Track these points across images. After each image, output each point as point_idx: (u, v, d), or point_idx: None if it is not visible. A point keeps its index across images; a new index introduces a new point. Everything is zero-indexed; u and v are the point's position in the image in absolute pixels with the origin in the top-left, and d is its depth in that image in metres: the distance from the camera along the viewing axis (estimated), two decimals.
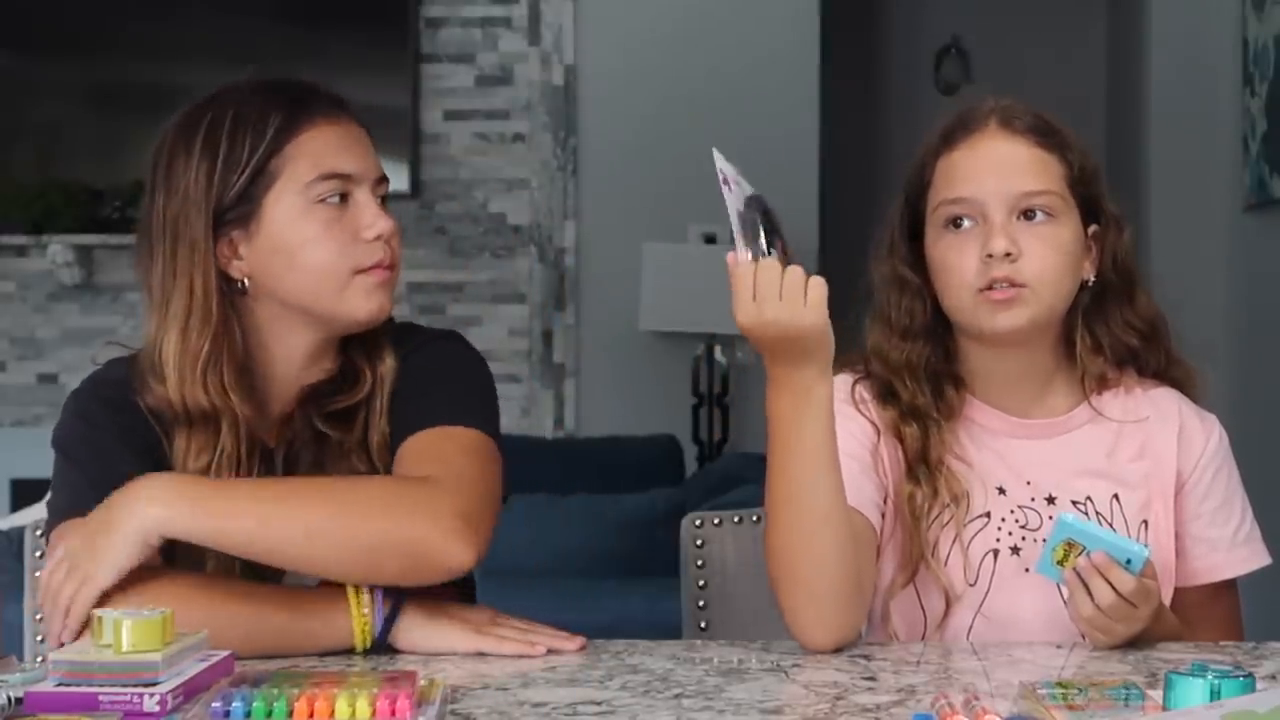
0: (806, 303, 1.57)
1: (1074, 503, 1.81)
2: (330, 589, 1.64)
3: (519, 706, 1.43)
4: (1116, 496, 1.82)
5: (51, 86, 5.56)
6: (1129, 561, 1.62)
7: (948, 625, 1.79)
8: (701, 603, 2.00)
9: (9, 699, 1.33)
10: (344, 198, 1.74)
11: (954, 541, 1.80)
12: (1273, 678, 1.54)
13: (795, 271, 1.56)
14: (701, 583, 2.00)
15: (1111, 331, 1.85)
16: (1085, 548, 1.62)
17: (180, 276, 1.72)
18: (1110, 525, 1.80)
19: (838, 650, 1.66)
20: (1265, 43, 4.64)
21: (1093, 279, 1.83)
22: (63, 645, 1.55)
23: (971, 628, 1.79)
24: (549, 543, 4.29)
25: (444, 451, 1.68)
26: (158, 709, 1.32)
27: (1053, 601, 1.74)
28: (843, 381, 1.84)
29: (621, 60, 5.60)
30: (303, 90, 1.77)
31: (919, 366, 1.83)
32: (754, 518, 2.00)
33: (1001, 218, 1.76)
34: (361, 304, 1.75)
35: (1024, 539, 1.80)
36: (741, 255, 1.57)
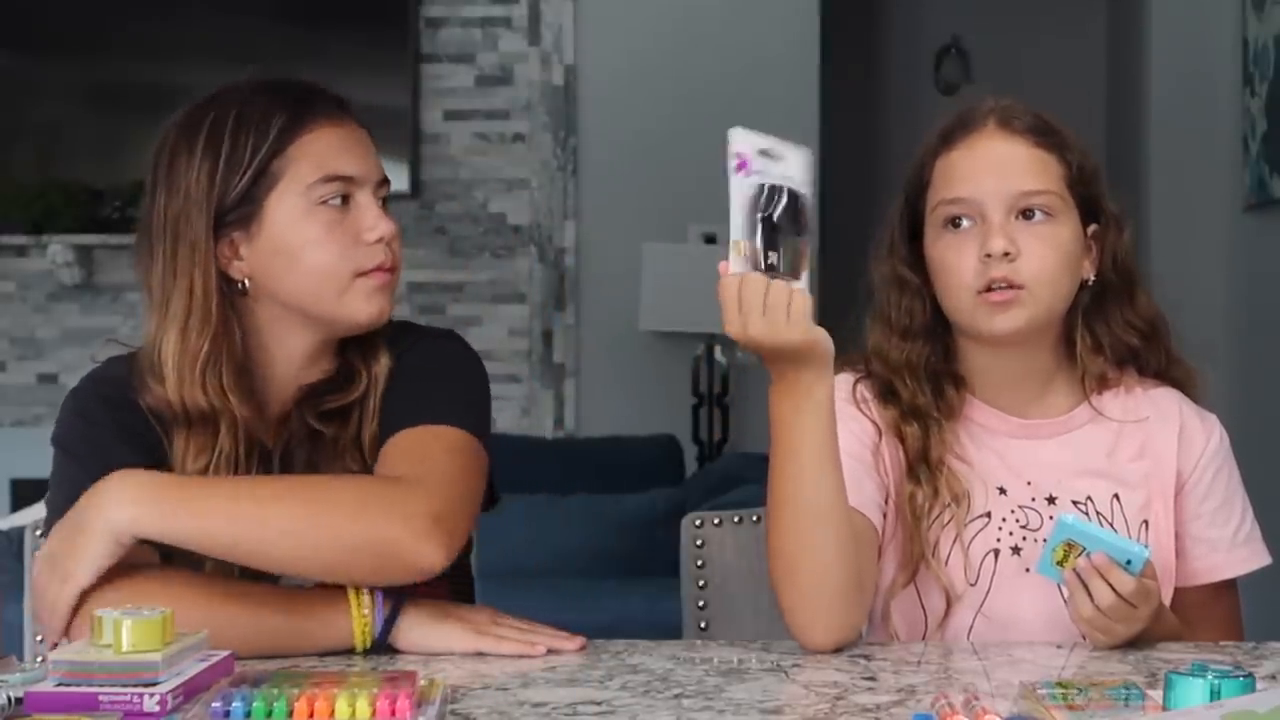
0: (789, 317, 1.56)
1: (1074, 503, 1.81)
2: (330, 589, 1.64)
3: (519, 706, 1.43)
4: (1117, 496, 1.82)
5: (51, 86, 5.56)
6: (1129, 562, 1.62)
7: (948, 625, 1.79)
8: (701, 603, 2.00)
9: (9, 699, 1.33)
10: (345, 200, 1.74)
11: (954, 541, 1.80)
12: (1273, 678, 1.54)
13: (778, 286, 1.56)
14: (701, 583, 2.00)
15: (1112, 331, 1.85)
16: (1085, 548, 1.62)
17: (180, 276, 1.72)
18: (1111, 525, 1.80)
19: (838, 650, 1.66)
20: (1265, 43, 4.64)
21: (1093, 278, 1.83)
22: (55, 645, 1.56)
23: (972, 627, 1.79)
24: (549, 543, 4.30)
25: (425, 450, 1.67)
26: (158, 709, 1.32)
27: (1053, 601, 1.74)
28: (844, 381, 1.84)
29: (621, 60, 5.60)
30: (305, 91, 1.76)
31: (919, 366, 1.84)
32: (754, 518, 2.00)
33: (1000, 217, 1.76)
34: (362, 307, 1.75)
35: (1024, 539, 1.80)
36: (734, 262, 1.56)
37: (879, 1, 6.73)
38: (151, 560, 1.64)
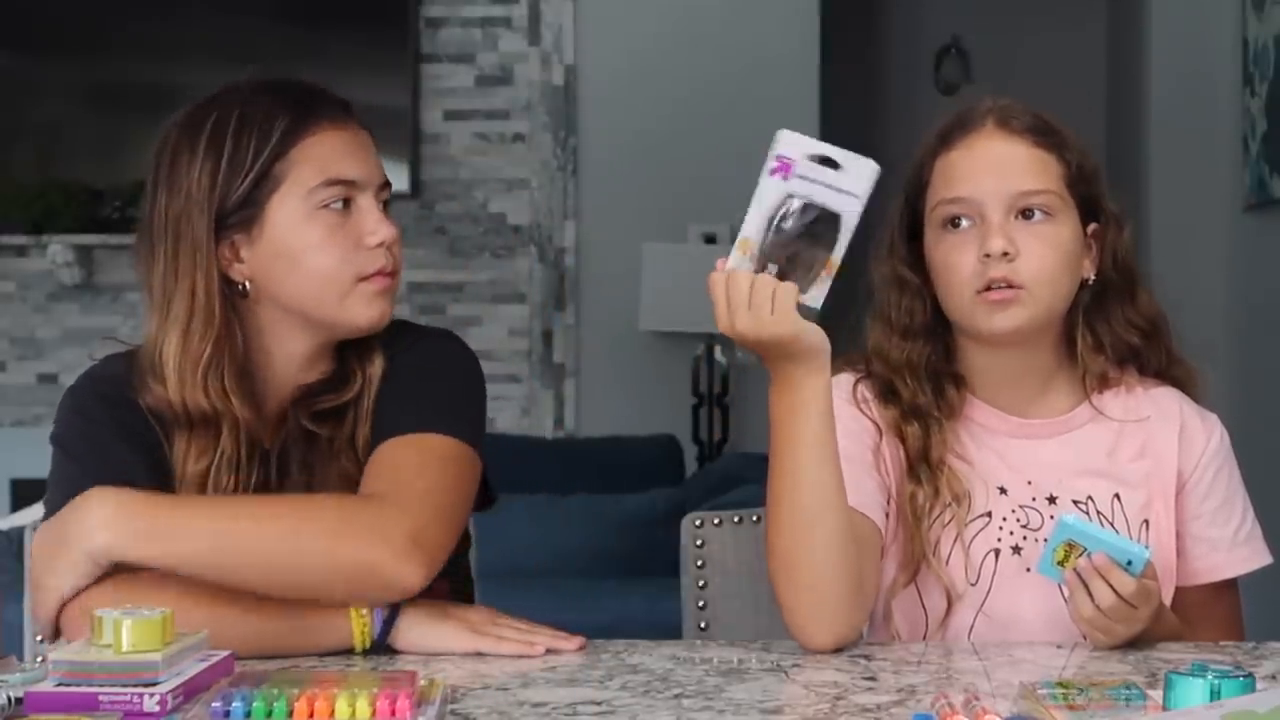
0: (774, 311, 1.56)
1: (1075, 502, 1.81)
2: None
3: (519, 706, 1.43)
4: (1117, 496, 1.82)
5: (51, 86, 5.56)
6: (1129, 563, 1.62)
7: (949, 625, 1.79)
8: (701, 603, 2.00)
9: (9, 699, 1.33)
10: (347, 203, 1.73)
11: (955, 541, 1.80)
12: (1273, 678, 1.54)
13: (763, 280, 1.56)
14: (701, 583, 2.00)
15: (1113, 330, 1.85)
16: (1086, 549, 1.62)
17: (182, 277, 1.71)
18: (1111, 525, 1.80)
19: (838, 650, 1.66)
20: (1265, 43, 4.64)
21: (1093, 278, 1.83)
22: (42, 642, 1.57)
23: (973, 627, 1.79)
24: (549, 543, 4.30)
25: (409, 463, 1.67)
26: (158, 709, 1.32)
27: (1054, 601, 1.74)
28: (844, 381, 1.84)
29: (621, 60, 5.60)
30: (308, 93, 1.76)
31: (919, 366, 1.84)
32: (754, 518, 2.00)
33: (999, 217, 1.76)
34: (363, 311, 1.74)
35: (1025, 539, 1.80)
36: (732, 259, 1.57)
37: (879, 1, 6.73)
38: None
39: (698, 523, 2.02)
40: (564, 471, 4.97)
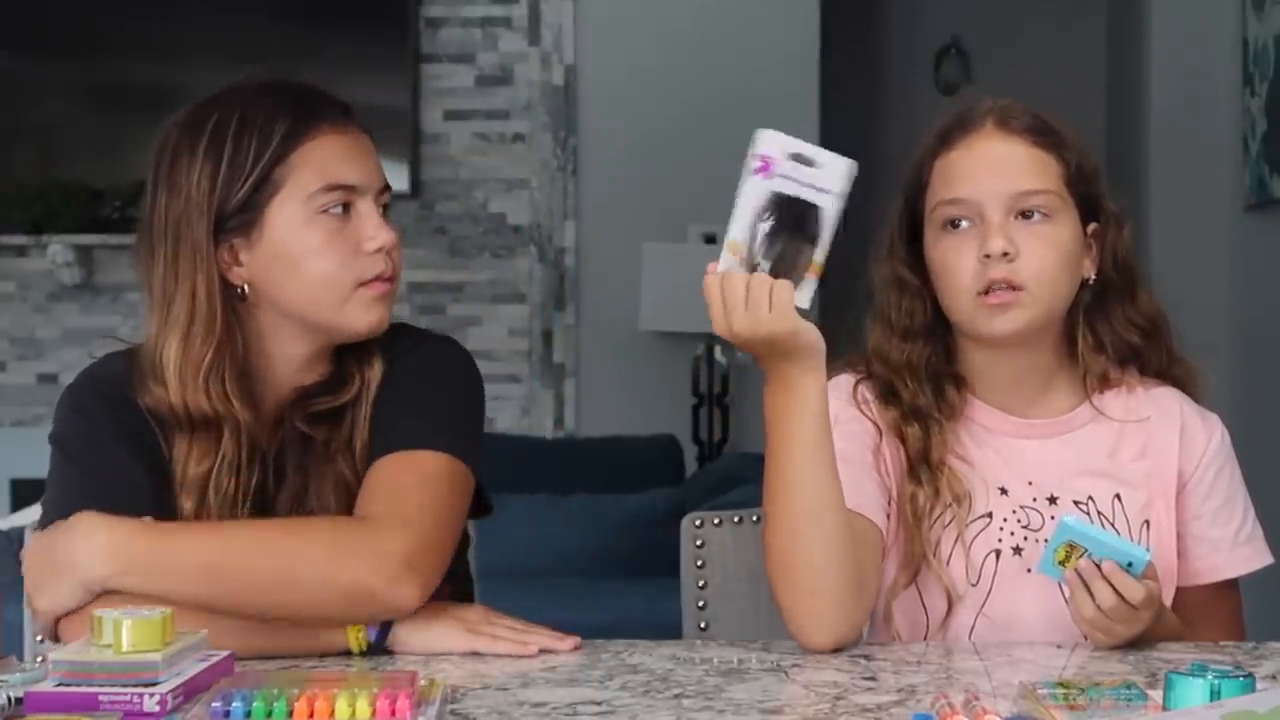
0: (771, 309, 1.56)
1: (1076, 503, 1.81)
2: None
3: (519, 706, 1.43)
4: (1118, 496, 1.82)
5: (51, 86, 5.56)
6: (1130, 564, 1.62)
7: (950, 625, 1.79)
8: (701, 603, 2.00)
9: (9, 699, 1.33)
10: (346, 208, 1.73)
11: (956, 542, 1.80)
12: (1273, 678, 1.54)
13: (759, 279, 1.56)
14: (701, 583, 2.00)
15: (1113, 329, 1.85)
16: (1087, 549, 1.62)
17: (182, 280, 1.71)
18: (1112, 525, 1.80)
19: (837, 650, 1.65)
20: (1265, 43, 4.64)
21: (1093, 277, 1.83)
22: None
23: (974, 628, 1.79)
24: (549, 543, 4.30)
25: (405, 484, 1.67)
26: (158, 709, 1.32)
27: (1054, 602, 1.74)
28: (844, 382, 1.84)
29: (621, 60, 5.59)
30: (309, 95, 1.75)
31: (920, 367, 1.83)
32: (754, 518, 2.00)
33: (999, 218, 1.76)
34: (361, 316, 1.74)
35: (1026, 539, 1.80)
36: (723, 261, 1.57)
37: (879, 1, 6.73)
38: None
39: (698, 523, 2.02)
40: (564, 471, 4.97)
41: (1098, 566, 1.61)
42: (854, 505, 1.71)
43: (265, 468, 1.74)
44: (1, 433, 5.56)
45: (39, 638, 1.75)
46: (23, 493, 5.36)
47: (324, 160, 1.71)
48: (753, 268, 1.56)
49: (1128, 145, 5.54)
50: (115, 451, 1.70)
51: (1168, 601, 1.76)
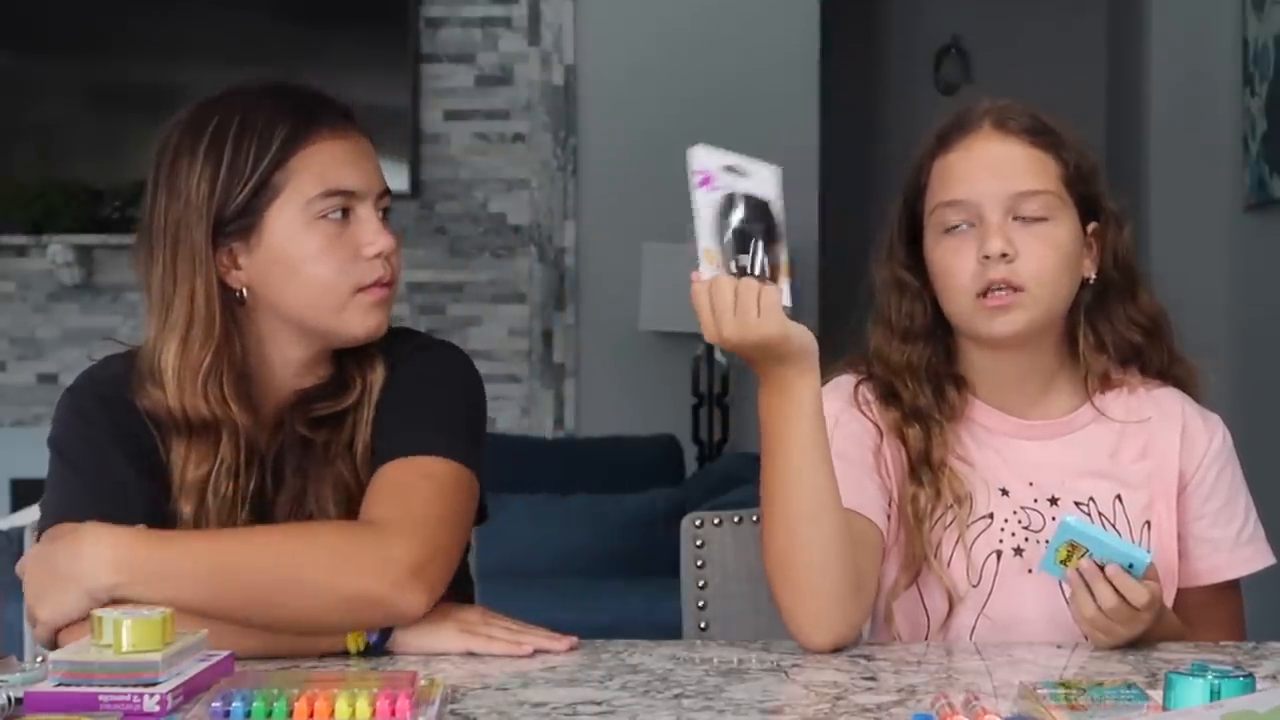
0: (760, 312, 1.56)
1: (1077, 503, 1.81)
2: None
3: (519, 706, 1.43)
4: (1119, 497, 1.82)
5: (51, 86, 5.56)
6: (1131, 565, 1.62)
7: (951, 626, 1.79)
8: (701, 603, 2.00)
9: (9, 699, 1.33)
10: (345, 213, 1.72)
11: (957, 542, 1.80)
12: (1273, 678, 1.54)
13: (746, 284, 1.56)
14: (701, 583, 2.00)
15: (1114, 329, 1.84)
16: (1088, 550, 1.62)
17: (181, 283, 1.70)
18: (1113, 526, 1.80)
19: (837, 650, 1.65)
20: (1265, 43, 4.64)
21: (1094, 277, 1.83)
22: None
23: (974, 628, 1.79)
24: (550, 543, 4.30)
25: (411, 490, 1.67)
26: (158, 709, 1.32)
27: (1055, 602, 1.74)
28: (845, 383, 1.84)
29: (621, 60, 5.59)
30: (310, 99, 1.75)
31: (920, 368, 1.83)
32: (754, 518, 2.00)
33: (997, 219, 1.76)
34: (360, 321, 1.74)
35: (1027, 540, 1.80)
36: (704, 270, 1.57)
37: (879, 1, 6.73)
38: None
39: (698, 523, 2.02)
40: (564, 471, 4.97)
41: (1100, 568, 1.61)
42: (854, 506, 1.71)
43: (264, 471, 1.74)
44: (1, 433, 5.56)
45: (38, 657, 1.75)
46: (23, 493, 5.36)
47: (323, 165, 1.71)
48: (739, 269, 1.57)
49: (1128, 145, 5.54)
50: (113, 456, 1.70)
51: (1169, 602, 1.76)
